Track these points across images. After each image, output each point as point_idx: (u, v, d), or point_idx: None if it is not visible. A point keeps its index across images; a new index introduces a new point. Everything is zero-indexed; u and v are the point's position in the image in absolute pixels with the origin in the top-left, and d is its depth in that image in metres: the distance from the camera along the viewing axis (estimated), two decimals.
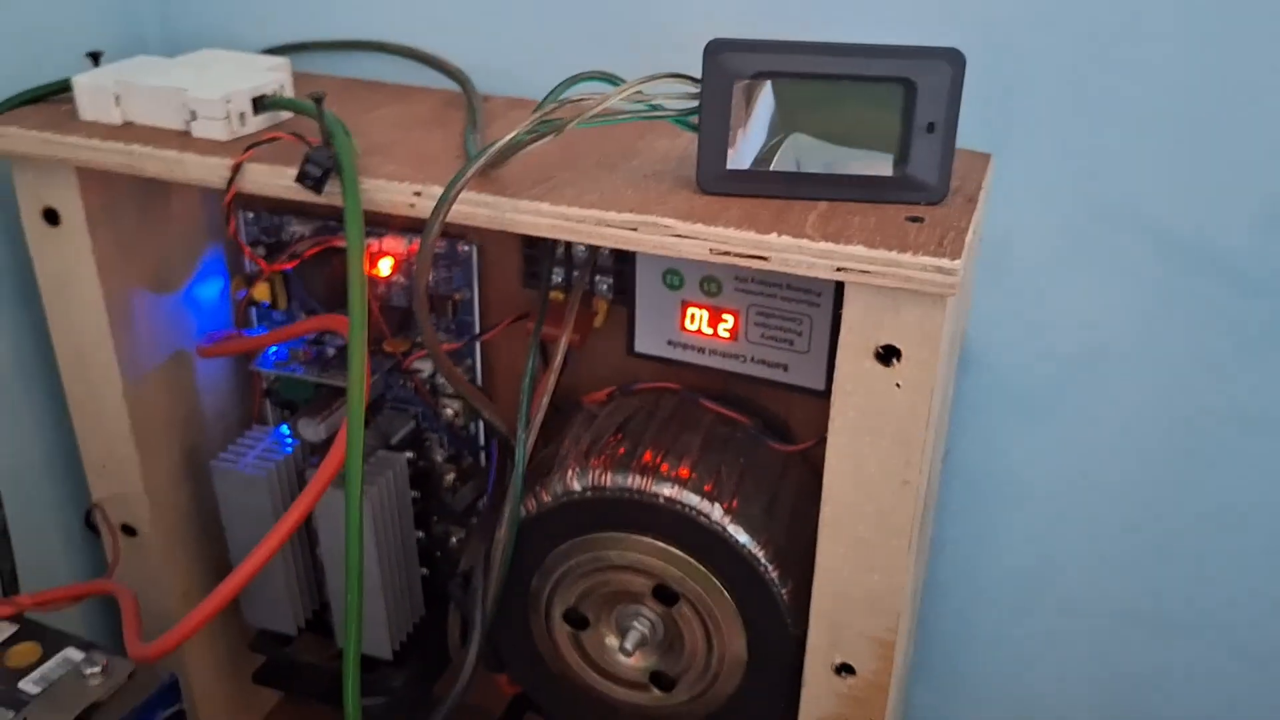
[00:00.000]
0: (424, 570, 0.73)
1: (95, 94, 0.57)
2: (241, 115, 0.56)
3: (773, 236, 0.47)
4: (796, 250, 0.47)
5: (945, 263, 0.45)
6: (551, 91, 0.51)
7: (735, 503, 0.59)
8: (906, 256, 0.46)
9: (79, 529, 0.75)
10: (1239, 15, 0.54)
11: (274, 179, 0.53)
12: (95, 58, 0.60)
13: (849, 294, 0.48)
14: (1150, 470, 0.66)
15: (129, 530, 0.69)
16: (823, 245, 0.47)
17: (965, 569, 0.73)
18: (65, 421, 0.68)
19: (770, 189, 0.51)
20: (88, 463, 0.68)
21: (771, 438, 0.65)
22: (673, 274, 0.61)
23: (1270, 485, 0.64)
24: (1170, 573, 0.68)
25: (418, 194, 0.51)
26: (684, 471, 0.59)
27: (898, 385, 0.49)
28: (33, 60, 0.63)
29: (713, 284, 0.60)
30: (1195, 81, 0.56)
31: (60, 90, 0.60)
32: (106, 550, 0.69)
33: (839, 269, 0.47)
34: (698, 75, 0.50)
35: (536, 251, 0.65)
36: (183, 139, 0.56)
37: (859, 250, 0.46)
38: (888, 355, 0.49)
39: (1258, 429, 0.63)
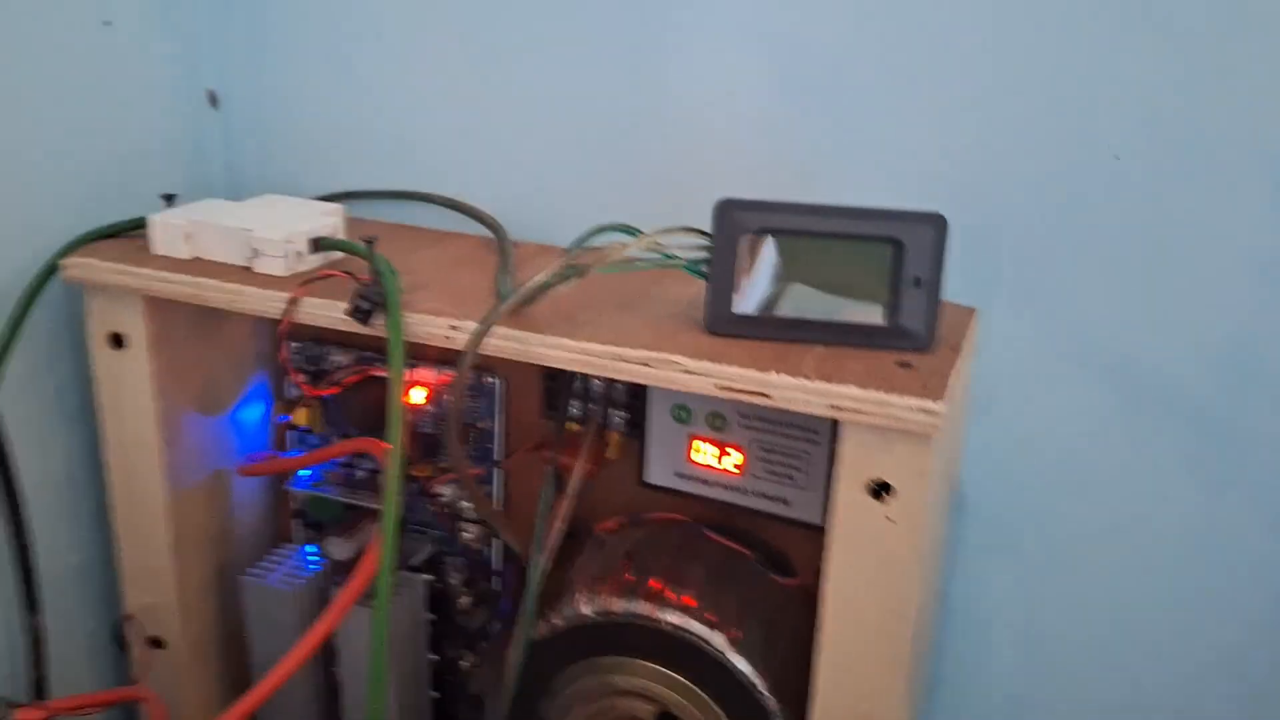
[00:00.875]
0: (435, 693, 0.75)
1: (168, 231, 0.64)
2: (299, 254, 0.62)
3: (773, 375, 0.52)
4: (795, 389, 0.52)
5: (930, 404, 0.50)
6: (577, 240, 0.57)
7: (738, 632, 0.62)
8: (895, 397, 0.50)
9: (104, 638, 0.77)
10: (1204, 173, 0.60)
11: (326, 311, 0.59)
12: (170, 199, 0.66)
13: (843, 431, 0.52)
14: (1126, 590, 0.69)
15: (157, 643, 0.72)
16: (819, 385, 0.51)
17: (959, 707, 0.75)
18: (104, 532, 0.72)
19: (772, 333, 0.56)
20: (126, 572, 0.71)
21: (773, 570, 0.68)
22: (681, 409, 0.65)
23: (1245, 610, 0.66)
24: (1159, 687, 0.70)
25: (454, 328, 0.57)
26: (689, 600, 0.62)
27: (889, 519, 0.53)
28: (109, 199, 0.70)
29: (718, 419, 0.65)
30: (1166, 234, 0.62)
31: (135, 227, 0.67)
32: (132, 660, 0.72)
33: (833, 406, 0.51)
34: (708, 229, 0.56)
35: (556, 385, 0.69)
36: (244, 274, 0.62)
37: (852, 390, 0.51)
38: (879, 490, 0.53)
39: (1228, 565, 0.66)
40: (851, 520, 0.54)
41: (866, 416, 0.51)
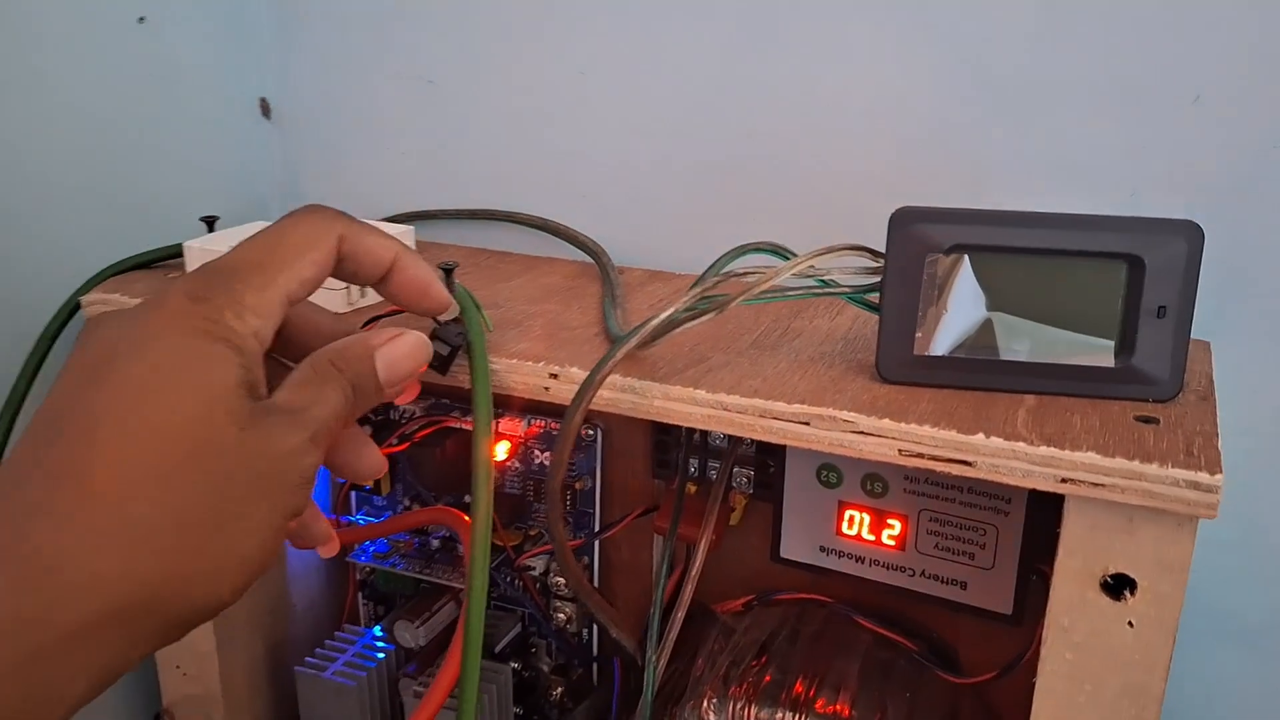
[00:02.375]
0: None
1: (206, 260, 0.53)
2: (362, 287, 0.51)
3: (979, 438, 0.39)
4: (1010, 455, 0.39)
5: (1203, 477, 0.37)
6: (714, 264, 0.45)
7: None
8: (1152, 468, 0.37)
9: None
10: None
11: None
12: (210, 223, 0.56)
13: (1071, 510, 0.40)
14: None
15: None
16: (1044, 450, 0.38)
17: None
18: None
19: (965, 379, 0.43)
20: (162, 659, 0.61)
21: (939, 665, 0.55)
22: (830, 470, 0.53)
23: None
24: None
25: (554, 376, 0.45)
26: (843, 708, 0.50)
27: (1130, 624, 0.40)
28: (145, 224, 0.60)
29: (877, 483, 0.52)
30: None
31: (171, 256, 0.57)
32: None
33: (1064, 480, 0.38)
34: (875, 247, 0.43)
35: (669, 438, 0.58)
36: None
37: (1091, 458, 0.38)
38: (1118, 586, 0.40)
39: None
40: (1076, 623, 0.41)
41: (1110, 493, 0.38)
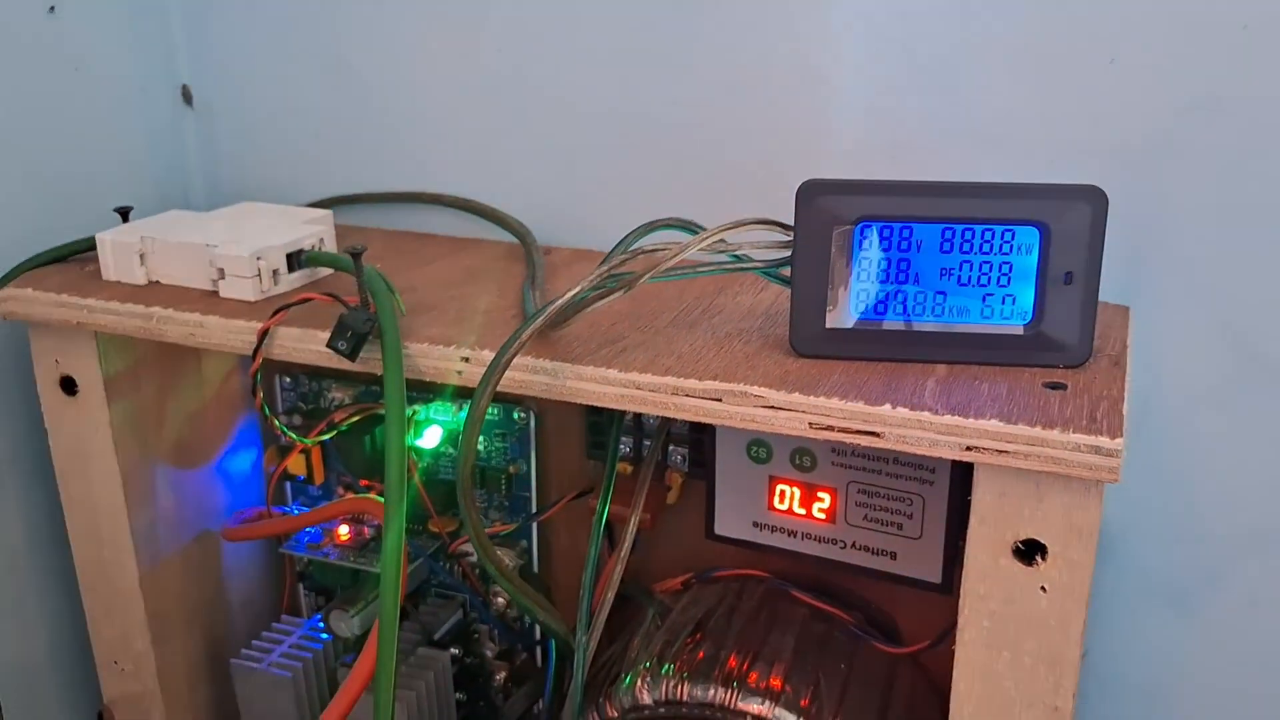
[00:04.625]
0: None
1: (119, 251, 0.52)
2: (274, 273, 0.50)
3: (886, 408, 0.39)
4: (916, 425, 0.39)
5: (1103, 441, 0.37)
6: (621, 241, 0.44)
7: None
8: (1054, 434, 0.37)
9: None
10: None
11: (305, 344, 0.47)
12: (124, 214, 0.55)
13: (980, 478, 0.40)
14: None
15: None
16: (948, 419, 0.38)
17: None
18: (74, 610, 0.61)
19: (878, 350, 0.43)
20: (99, 658, 0.60)
21: (876, 636, 0.55)
22: (759, 445, 0.53)
23: None
24: None
25: (466, 359, 0.44)
26: (776, 681, 0.50)
27: (1043, 589, 0.40)
28: (62, 217, 0.59)
29: (806, 457, 0.52)
30: None
31: (88, 248, 0.56)
32: None
33: (969, 448, 0.38)
34: (788, 221, 0.43)
35: (602, 419, 0.57)
36: (209, 300, 0.50)
37: (994, 425, 0.38)
38: (1030, 552, 0.40)
39: None
40: (991, 590, 0.41)
41: (1015, 459, 0.38)
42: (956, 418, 0.38)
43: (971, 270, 0.42)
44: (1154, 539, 0.56)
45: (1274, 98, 0.48)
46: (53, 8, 0.60)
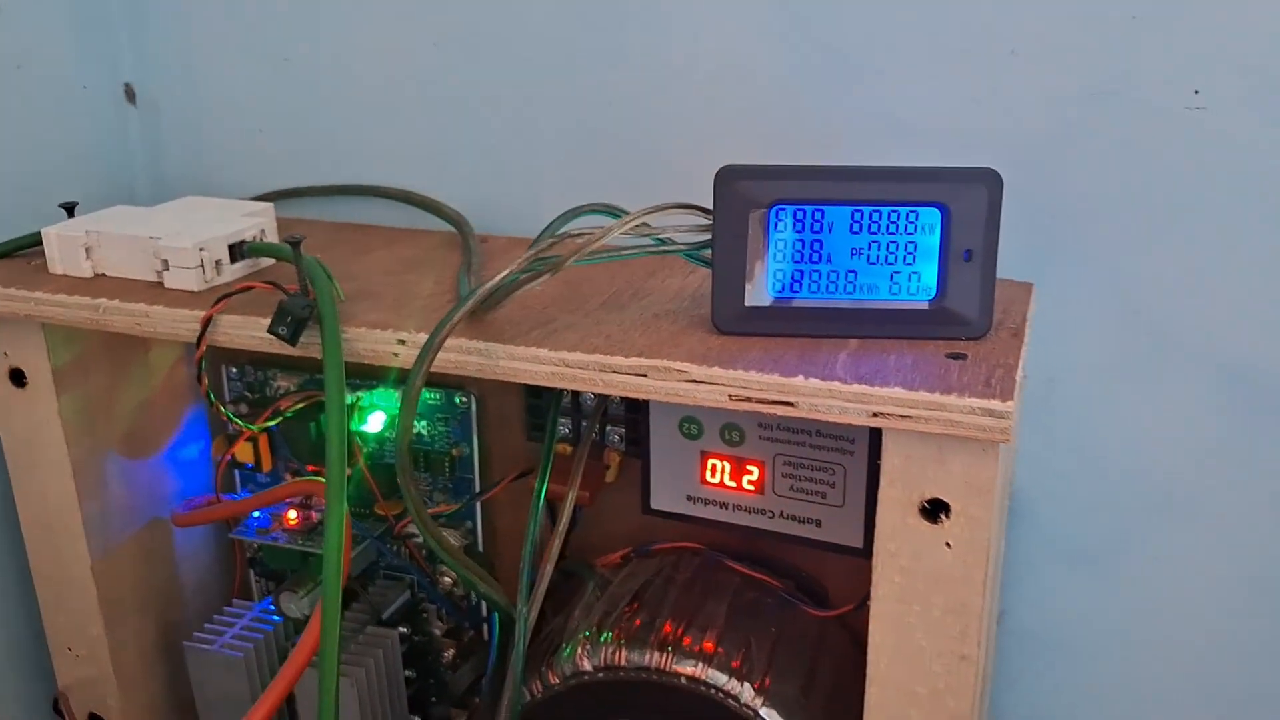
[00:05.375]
0: None
1: (65, 245, 0.54)
2: (217, 264, 0.52)
3: (799, 379, 0.42)
4: (827, 394, 0.41)
5: (995, 404, 0.40)
6: (548, 227, 0.47)
7: (768, 680, 0.52)
8: (951, 398, 0.40)
9: (42, 719, 0.68)
10: None
11: (248, 331, 0.49)
12: (70, 209, 0.56)
13: (887, 442, 0.42)
14: (1225, 630, 0.58)
15: (96, 719, 0.62)
16: (856, 388, 0.41)
17: None
18: (29, 600, 0.62)
19: (794, 327, 0.46)
20: (53, 644, 0.62)
21: (806, 601, 0.58)
22: (690, 422, 0.55)
23: None
24: None
25: (402, 342, 0.46)
26: (709, 645, 0.53)
27: (947, 545, 0.43)
28: (20, 213, 0.60)
29: (735, 432, 0.55)
30: (1265, 194, 0.51)
31: (34, 244, 0.57)
32: None
33: (875, 414, 0.41)
34: (707, 205, 0.45)
35: (541, 401, 0.59)
36: (154, 291, 0.52)
37: (897, 393, 0.41)
38: (935, 510, 0.43)
39: None
40: (901, 548, 0.44)
41: (917, 424, 0.41)
42: (864, 386, 0.41)
43: (879, 249, 0.45)
44: (1064, 505, 0.59)
45: (1163, 84, 0.51)
46: None
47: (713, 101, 0.58)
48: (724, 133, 0.58)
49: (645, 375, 0.44)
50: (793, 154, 0.57)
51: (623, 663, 0.52)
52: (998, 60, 0.53)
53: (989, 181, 0.44)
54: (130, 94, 0.69)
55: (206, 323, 0.49)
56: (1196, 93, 0.51)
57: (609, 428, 0.59)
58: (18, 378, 0.56)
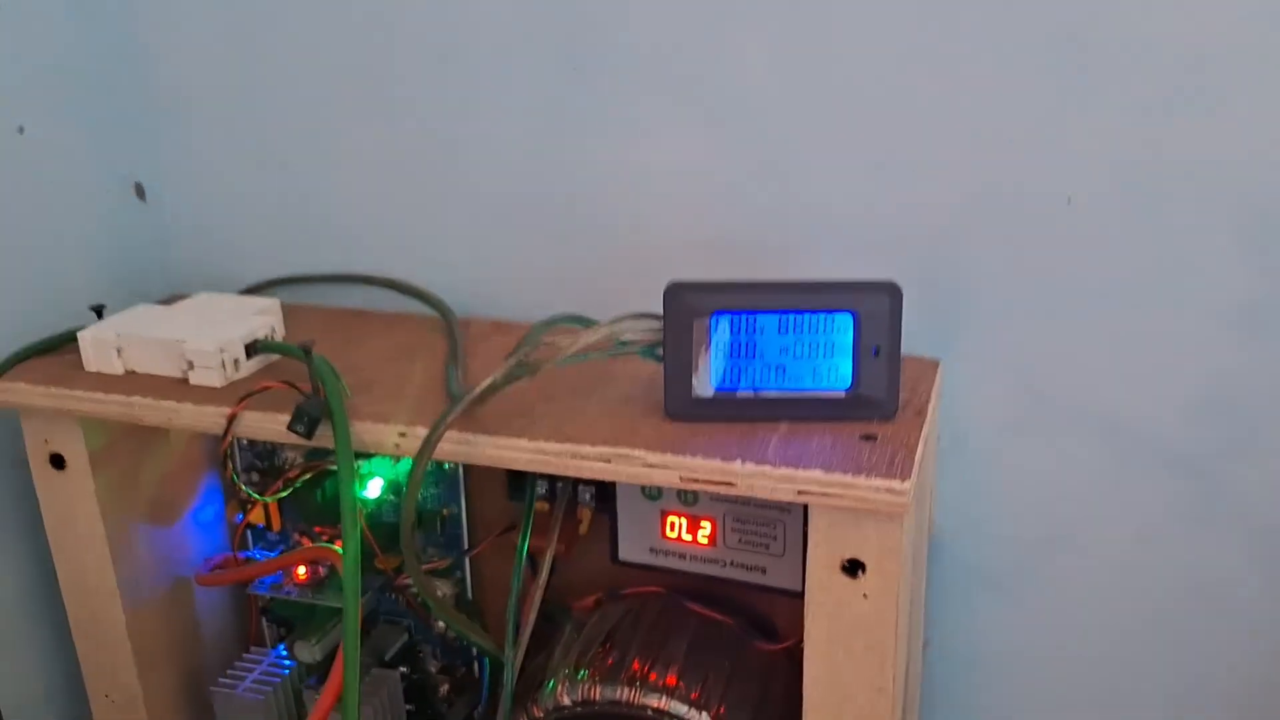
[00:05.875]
0: None
1: (99, 347, 0.61)
2: (235, 361, 0.60)
3: (737, 464, 0.50)
4: (761, 476, 0.50)
5: (895, 484, 0.48)
6: (527, 336, 0.55)
7: (723, 709, 0.60)
8: (860, 479, 0.49)
9: None
10: (1169, 214, 0.59)
11: (267, 425, 0.57)
12: (99, 311, 0.64)
13: (813, 512, 0.51)
14: (1119, 644, 0.68)
15: None
16: (783, 471, 0.50)
17: None
18: (65, 652, 0.69)
19: (734, 412, 0.54)
20: (92, 692, 0.69)
21: (757, 636, 0.66)
22: (649, 487, 0.64)
23: (1232, 651, 0.65)
24: None
25: (403, 435, 0.54)
26: (671, 679, 0.61)
27: (865, 596, 0.52)
28: (45, 311, 0.68)
29: (689, 495, 0.63)
30: (1128, 279, 0.60)
31: (67, 340, 0.64)
32: None
33: (800, 492, 0.50)
34: (659, 312, 0.54)
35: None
36: (181, 387, 0.60)
37: (817, 475, 0.49)
38: (853, 568, 0.51)
39: (1211, 600, 0.65)
40: (827, 598, 0.52)
41: (834, 500, 0.49)
42: (790, 469, 0.50)
43: (802, 347, 0.53)
44: (975, 540, 0.68)
45: (1041, 192, 0.60)
46: (21, 128, 0.68)
47: (664, 199, 0.66)
48: (673, 226, 0.67)
49: (609, 461, 0.52)
50: (728, 259, 0.65)
51: (597, 698, 0.61)
52: (904, 168, 0.62)
53: (891, 291, 0.52)
54: (140, 192, 0.77)
55: (232, 419, 0.56)
56: (1069, 200, 0.60)
57: (580, 487, 0.67)
58: (58, 462, 0.63)
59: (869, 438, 0.52)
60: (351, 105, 0.71)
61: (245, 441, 0.72)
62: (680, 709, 0.59)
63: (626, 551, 0.66)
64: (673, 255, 0.66)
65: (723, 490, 0.51)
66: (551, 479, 0.67)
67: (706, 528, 0.63)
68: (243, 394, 0.57)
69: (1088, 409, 0.63)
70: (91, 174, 0.73)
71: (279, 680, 0.68)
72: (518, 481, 0.68)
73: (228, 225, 0.76)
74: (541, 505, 0.67)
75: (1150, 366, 0.62)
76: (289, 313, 0.67)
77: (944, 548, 0.69)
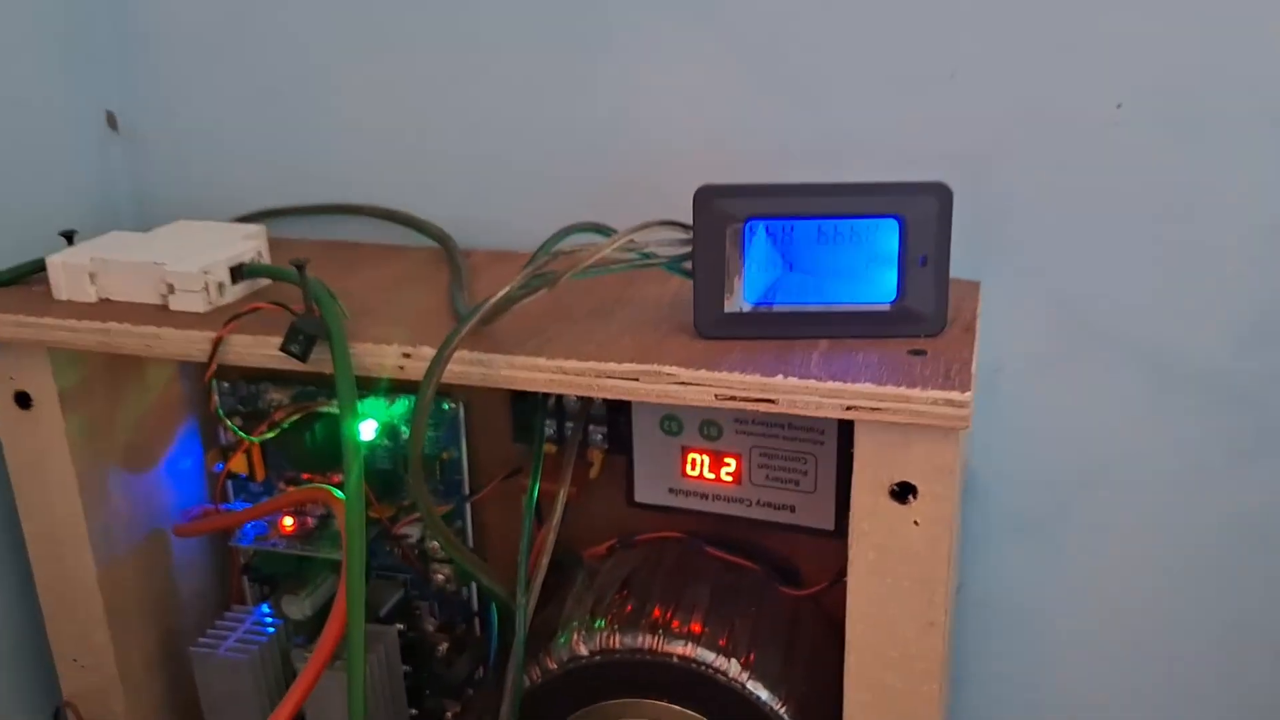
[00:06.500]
0: None
1: (70, 273, 0.56)
2: (220, 286, 0.55)
3: (779, 379, 0.46)
4: (804, 391, 0.46)
5: (955, 395, 0.44)
6: (543, 245, 0.50)
7: (752, 656, 0.56)
8: (915, 391, 0.45)
9: None
10: (1219, 129, 0.55)
11: (257, 349, 0.52)
12: (69, 236, 0.59)
13: (859, 432, 0.47)
14: (1160, 589, 0.64)
15: None
16: (830, 385, 0.46)
17: (985, 708, 0.70)
18: (27, 612, 0.64)
19: (770, 330, 0.50)
20: (58, 654, 0.64)
21: (781, 582, 0.62)
22: (671, 420, 0.59)
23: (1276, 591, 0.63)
24: (1188, 690, 0.66)
25: (407, 355, 0.50)
26: (696, 626, 0.57)
27: (915, 523, 0.48)
28: (14, 241, 0.62)
29: (712, 428, 0.59)
30: (1174, 199, 0.57)
31: (35, 270, 0.59)
32: None
33: (848, 408, 0.46)
34: (687, 221, 0.50)
35: (526, 405, 0.63)
36: (161, 313, 0.55)
37: (867, 388, 0.45)
38: (903, 492, 0.47)
39: (1260, 539, 0.62)
40: (874, 527, 0.48)
41: (886, 415, 0.45)
42: (837, 383, 0.46)
43: (843, 258, 0.49)
44: (1011, 482, 0.64)
45: (1085, 101, 0.56)
46: None
47: (679, 125, 0.62)
48: (688, 155, 0.62)
49: (637, 379, 0.48)
50: (754, 173, 0.61)
51: (617, 646, 0.56)
52: (939, 83, 0.58)
53: (939, 194, 0.48)
54: (112, 121, 0.71)
55: (218, 343, 0.51)
56: (1119, 106, 0.56)
57: (591, 427, 0.63)
58: (23, 400, 0.58)
59: (917, 353, 0.48)
60: (344, 28, 0.66)
61: (226, 385, 0.67)
62: (708, 656, 0.55)
63: (643, 493, 0.62)
64: (691, 180, 0.61)
65: (762, 408, 0.47)
66: (560, 418, 0.62)
67: (731, 464, 0.59)
68: (228, 319, 0.52)
69: (1130, 337, 0.60)
70: (59, 100, 0.68)
71: (265, 639, 0.64)
72: (524, 421, 0.64)
73: (210, 157, 0.71)
74: (549, 448, 0.63)
75: (1197, 291, 0.58)
76: (276, 247, 0.62)
77: (977, 490, 0.65)
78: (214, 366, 0.52)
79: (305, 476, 0.65)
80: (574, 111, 0.63)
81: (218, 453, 0.67)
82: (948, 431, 0.46)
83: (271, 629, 0.65)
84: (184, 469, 0.67)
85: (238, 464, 0.65)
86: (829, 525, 0.58)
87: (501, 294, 0.48)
